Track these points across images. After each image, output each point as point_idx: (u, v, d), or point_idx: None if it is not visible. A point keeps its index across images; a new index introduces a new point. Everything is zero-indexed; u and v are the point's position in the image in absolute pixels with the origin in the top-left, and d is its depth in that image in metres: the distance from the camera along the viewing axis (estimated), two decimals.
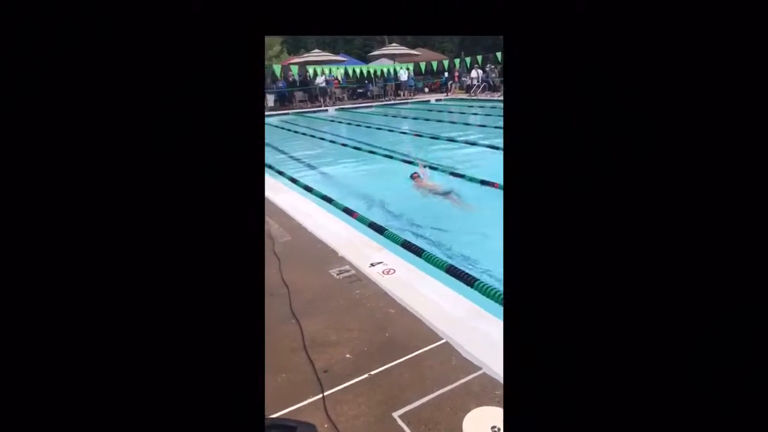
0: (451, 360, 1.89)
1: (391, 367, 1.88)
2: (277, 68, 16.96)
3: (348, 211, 4.21)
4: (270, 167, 6.68)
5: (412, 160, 5.40)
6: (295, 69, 17.25)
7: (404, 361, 1.91)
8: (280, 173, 6.27)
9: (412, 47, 23.91)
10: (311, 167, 7.22)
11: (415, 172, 4.68)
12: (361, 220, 3.94)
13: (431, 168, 4.99)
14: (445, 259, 3.03)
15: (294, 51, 28.98)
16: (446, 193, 4.36)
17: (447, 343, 2.00)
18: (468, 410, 1.60)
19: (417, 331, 2.13)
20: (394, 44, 22.18)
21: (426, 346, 1.99)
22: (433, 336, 2.07)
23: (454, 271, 2.82)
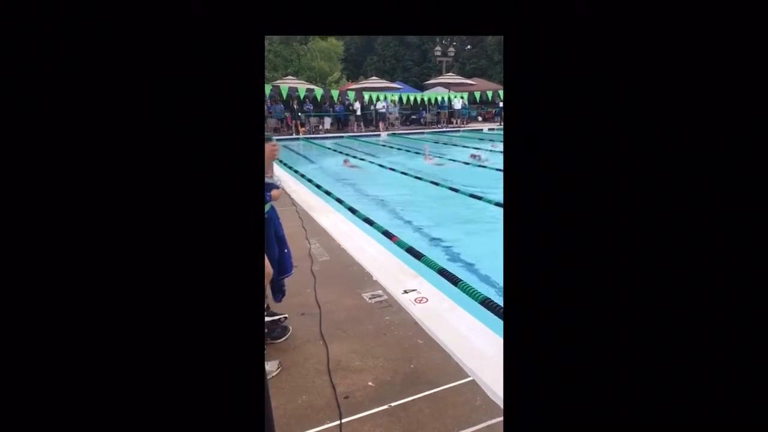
0: (475, 400, 1.80)
1: (412, 400, 1.81)
2: (335, 93, 17.58)
3: (388, 235, 4.21)
4: (318, 187, 6.88)
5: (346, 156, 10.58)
6: (351, 94, 17.82)
7: (427, 395, 1.84)
8: (328, 193, 6.41)
9: (469, 77, 24.01)
10: (357, 189, 7.34)
11: (345, 159, 10.08)
12: (400, 244, 3.92)
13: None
14: (481, 291, 2.92)
15: (353, 77, 30.02)
16: (353, 167, 9.44)
17: (473, 381, 1.91)
18: None
19: (443, 365, 2.05)
20: (450, 73, 22.39)
21: (451, 383, 1.91)
22: (460, 372, 1.99)
23: (489, 305, 2.71)
